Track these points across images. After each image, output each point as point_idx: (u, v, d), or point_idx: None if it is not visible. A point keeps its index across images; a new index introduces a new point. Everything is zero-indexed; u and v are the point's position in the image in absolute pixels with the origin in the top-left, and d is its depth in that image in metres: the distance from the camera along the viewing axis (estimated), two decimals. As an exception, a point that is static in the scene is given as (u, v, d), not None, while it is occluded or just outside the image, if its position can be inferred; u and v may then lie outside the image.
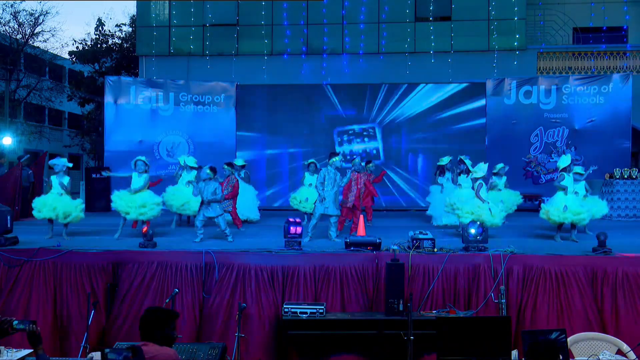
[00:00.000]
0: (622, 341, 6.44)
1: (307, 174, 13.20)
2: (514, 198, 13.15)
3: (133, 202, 10.12)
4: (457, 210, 10.43)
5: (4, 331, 4.12)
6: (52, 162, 10.44)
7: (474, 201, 10.17)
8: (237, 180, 12.22)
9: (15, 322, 4.12)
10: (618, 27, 22.22)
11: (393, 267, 7.58)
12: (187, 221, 12.77)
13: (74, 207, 10.18)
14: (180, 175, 12.44)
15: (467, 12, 20.03)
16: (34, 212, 10.15)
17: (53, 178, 10.28)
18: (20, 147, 27.28)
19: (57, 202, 10.05)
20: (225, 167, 12.27)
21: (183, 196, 11.94)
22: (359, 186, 11.78)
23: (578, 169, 10.51)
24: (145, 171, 10.42)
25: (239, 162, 13.47)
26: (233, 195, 11.92)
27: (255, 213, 13.51)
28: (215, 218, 9.86)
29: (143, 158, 10.54)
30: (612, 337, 6.62)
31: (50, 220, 10.15)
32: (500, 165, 12.87)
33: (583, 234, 10.80)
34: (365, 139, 18.88)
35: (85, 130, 32.33)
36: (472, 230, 8.37)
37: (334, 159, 10.25)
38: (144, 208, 10.14)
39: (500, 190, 12.61)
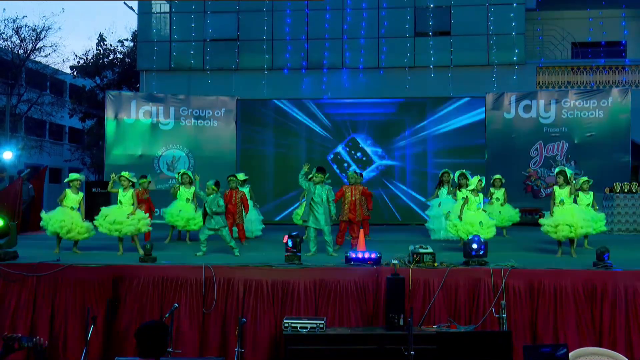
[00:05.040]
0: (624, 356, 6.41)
1: None
2: (511, 213, 13.23)
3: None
4: (449, 222, 10.53)
5: (10, 348, 4.07)
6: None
7: (466, 215, 10.30)
8: (244, 192, 12.34)
9: (22, 339, 4.07)
10: (616, 42, 22.36)
11: (393, 281, 7.56)
12: (185, 237, 12.66)
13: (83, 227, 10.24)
14: (178, 188, 12.39)
15: (466, 27, 20.14)
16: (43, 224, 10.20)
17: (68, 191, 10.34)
18: (20, 162, 27.30)
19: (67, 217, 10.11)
20: (233, 179, 12.32)
21: (187, 213, 11.97)
22: (353, 198, 11.72)
23: (583, 178, 10.65)
24: (131, 186, 10.48)
25: (240, 176, 13.46)
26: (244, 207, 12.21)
27: (258, 228, 13.51)
28: (218, 230, 9.93)
29: (126, 174, 10.57)
30: (615, 352, 6.59)
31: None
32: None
33: (582, 248, 10.81)
34: (366, 152, 18.91)
35: (86, 144, 32.39)
36: (474, 245, 8.37)
37: (318, 175, 10.30)
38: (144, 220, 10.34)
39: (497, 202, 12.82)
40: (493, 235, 10.34)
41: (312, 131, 19.04)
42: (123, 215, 10.11)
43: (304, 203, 13.18)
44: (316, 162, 16.70)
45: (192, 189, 12.02)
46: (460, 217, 10.38)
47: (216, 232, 9.98)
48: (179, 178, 12.41)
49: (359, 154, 18.94)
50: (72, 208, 10.16)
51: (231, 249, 9.97)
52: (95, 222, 10.26)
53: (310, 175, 10.51)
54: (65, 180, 10.52)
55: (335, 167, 18.57)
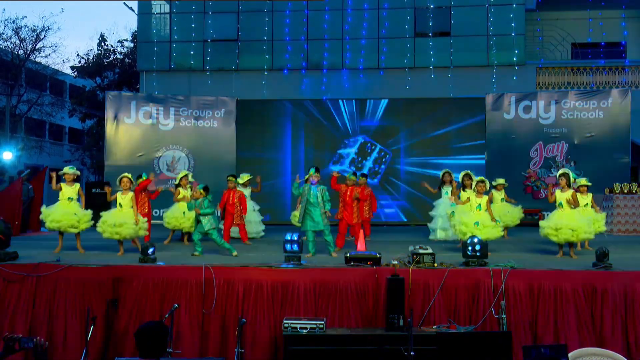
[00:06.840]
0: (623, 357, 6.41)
1: None
2: (516, 212, 13.26)
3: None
4: (458, 224, 10.48)
5: (10, 349, 4.06)
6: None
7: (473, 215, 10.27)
8: (243, 193, 12.32)
9: (22, 340, 4.06)
10: (616, 43, 22.38)
11: (393, 282, 7.56)
12: (184, 238, 12.64)
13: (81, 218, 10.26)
14: (178, 192, 12.34)
15: (466, 27, 20.17)
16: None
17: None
18: (20, 162, 27.31)
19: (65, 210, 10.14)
20: (231, 179, 12.30)
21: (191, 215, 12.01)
22: (346, 199, 11.66)
23: (582, 180, 10.63)
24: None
25: (245, 177, 13.39)
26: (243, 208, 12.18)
27: (258, 228, 13.51)
28: (207, 232, 9.90)
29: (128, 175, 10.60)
30: (614, 353, 6.59)
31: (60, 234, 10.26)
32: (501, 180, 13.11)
33: (583, 249, 10.82)
34: (366, 154, 18.92)
35: (86, 145, 32.41)
36: (473, 244, 8.37)
37: (317, 174, 10.28)
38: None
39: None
40: (496, 237, 10.28)
41: (312, 131, 19.05)
42: (122, 217, 10.12)
43: (302, 205, 13.22)
44: (316, 164, 16.73)
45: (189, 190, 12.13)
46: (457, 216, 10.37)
47: (206, 235, 9.96)
48: (178, 180, 12.39)
49: (359, 156, 18.94)
50: (69, 199, 10.20)
51: (226, 250, 9.94)
52: (98, 229, 10.23)
53: (307, 176, 10.53)
54: (60, 173, 10.58)
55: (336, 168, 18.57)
